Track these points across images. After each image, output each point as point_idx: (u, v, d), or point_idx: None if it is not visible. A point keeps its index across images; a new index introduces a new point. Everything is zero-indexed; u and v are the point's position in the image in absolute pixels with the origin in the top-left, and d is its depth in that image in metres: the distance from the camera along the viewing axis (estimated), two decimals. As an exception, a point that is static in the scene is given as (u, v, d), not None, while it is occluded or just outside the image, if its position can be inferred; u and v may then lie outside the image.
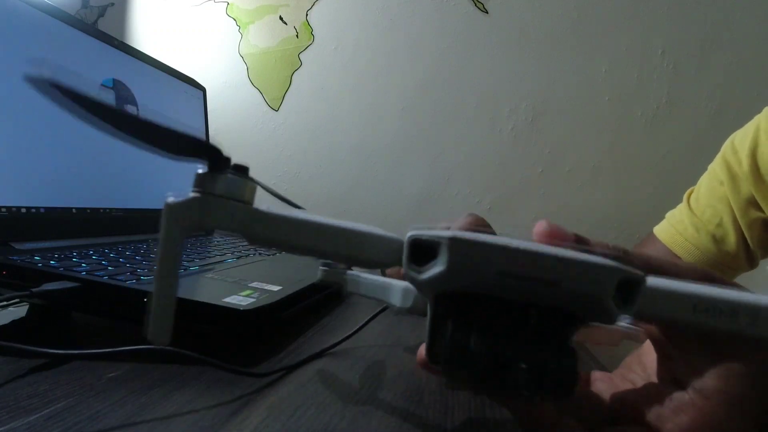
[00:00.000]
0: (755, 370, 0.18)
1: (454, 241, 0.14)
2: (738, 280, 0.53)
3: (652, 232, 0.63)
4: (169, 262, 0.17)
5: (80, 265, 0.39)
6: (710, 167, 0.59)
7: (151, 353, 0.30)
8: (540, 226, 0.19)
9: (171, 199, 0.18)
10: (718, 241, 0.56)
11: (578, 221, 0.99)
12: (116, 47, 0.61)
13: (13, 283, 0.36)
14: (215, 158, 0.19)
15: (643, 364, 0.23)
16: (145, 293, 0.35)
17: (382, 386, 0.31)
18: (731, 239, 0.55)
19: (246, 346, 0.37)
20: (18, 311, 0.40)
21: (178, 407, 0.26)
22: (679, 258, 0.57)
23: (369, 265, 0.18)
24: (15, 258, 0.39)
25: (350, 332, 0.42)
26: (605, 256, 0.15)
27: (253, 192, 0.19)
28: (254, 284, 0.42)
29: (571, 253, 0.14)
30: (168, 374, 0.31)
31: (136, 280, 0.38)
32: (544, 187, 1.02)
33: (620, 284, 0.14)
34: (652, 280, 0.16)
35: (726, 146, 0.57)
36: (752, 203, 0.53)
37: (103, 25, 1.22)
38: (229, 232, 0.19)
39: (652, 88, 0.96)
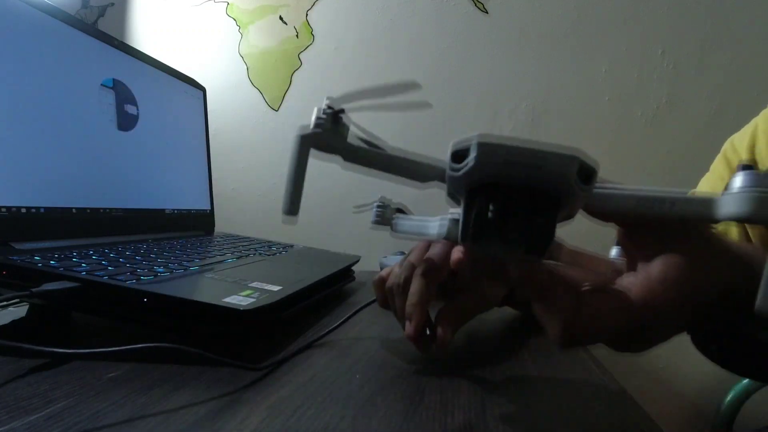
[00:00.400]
0: (687, 264, 0.24)
1: (479, 142, 0.21)
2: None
3: None
4: (301, 166, 0.27)
5: (80, 265, 0.39)
6: (712, 166, 0.59)
7: (151, 352, 0.30)
8: None
9: (300, 132, 0.26)
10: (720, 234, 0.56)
11: (578, 221, 0.99)
12: (116, 47, 0.61)
13: (13, 283, 0.36)
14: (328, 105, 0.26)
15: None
16: (145, 293, 0.36)
17: (382, 386, 0.31)
18: (734, 236, 0.55)
19: (246, 346, 0.37)
20: (18, 311, 0.40)
21: (178, 407, 0.26)
22: None
23: (422, 179, 0.26)
24: (15, 258, 0.39)
25: (340, 321, 0.42)
26: None
27: (347, 129, 0.27)
28: (254, 284, 0.42)
29: (549, 147, 0.21)
30: (168, 374, 0.31)
31: (136, 280, 0.38)
32: (544, 187, 1.02)
33: (581, 171, 0.21)
34: (611, 187, 0.24)
35: (727, 145, 0.57)
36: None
37: (103, 25, 1.22)
38: (330, 153, 0.27)
39: (652, 88, 0.96)
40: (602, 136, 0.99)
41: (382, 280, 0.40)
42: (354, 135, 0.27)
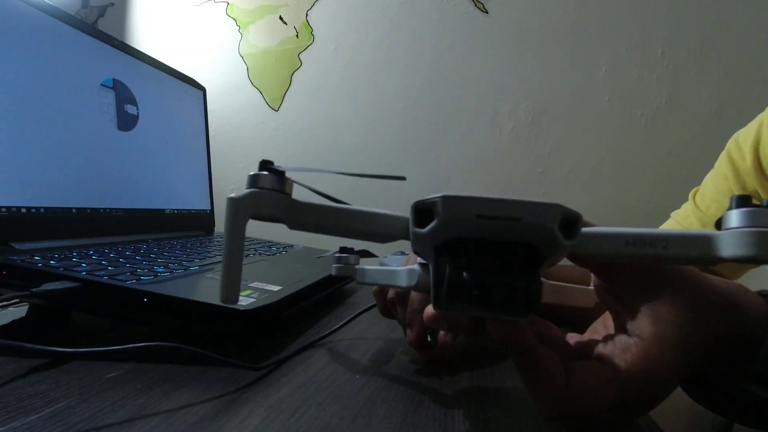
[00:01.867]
0: (680, 318, 0.22)
1: (444, 198, 0.19)
2: (741, 279, 0.53)
3: None
4: (236, 242, 0.22)
5: (80, 265, 0.39)
6: (716, 163, 0.59)
7: (151, 352, 0.30)
8: None
9: (233, 195, 0.23)
10: None
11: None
12: (116, 47, 0.61)
13: (13, 283, 0.36)
14: (265, 165, 0.24)
15: (606, 326, 0.28)
16: (145, 293, 0.36)
17: (382, 386, 0.31)
18: None
19: (246, 346, 0.37)
20: (18, 311, 0.40)
21: (178, 407, 0.26)
22: None
23: (384, 238, 0.23)
24: (15, 258, 0.39)
25: (340, 323, 0.42)
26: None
27: (291, 187, 0.25)
28: (254, 284, 0.42)
29: (528, 198, 0.19)
30: (168, 374, 0.31)
31: (136, 280, 0.38)
32: (544, 187, 1.02)
33: (564, 222, 0.19)
34: (594, 228, 0.22)
35: (731, 143, 0.57)
36: (755, 197, 0.54)
37: (103, 25, 1.22)
38: (273, 221, 0.24)
39: (652, 88, 0.96)
40: (602, 136, 0.99)
41: (383, 291, 0.40)
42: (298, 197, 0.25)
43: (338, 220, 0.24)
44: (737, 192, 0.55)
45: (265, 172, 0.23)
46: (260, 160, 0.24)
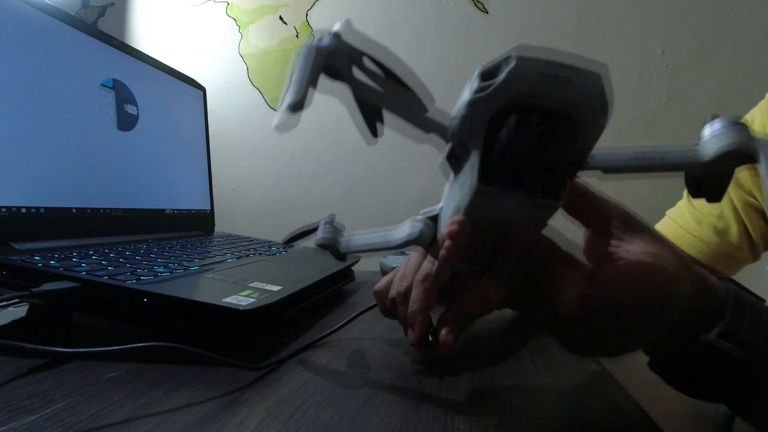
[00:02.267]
0: (668, 257, 0.25)
1: (518, 55, 0.21)
2: (740, 276, 0.53)
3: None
4: (312, 77, 0.24)
5: (80, 265, 0.39)
6: None
7: (151, 352, 0.30)
8: None
9: (313, 42, 0.24)
10: (720, 232, 0.56)
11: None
12: (116, 47, 0.61)
13: (13, 283, 0.36)
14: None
15: None
16: (145, 293, 0.36)
17: (382, 386, 0.31)
18: (733, 230, 0.55)
19: (246, 346, 0.37)
20: (18, 311, 0.40)
21: (178, 407, 0.26)
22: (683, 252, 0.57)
23: (425, 126, 0.25)
24: (15, 258, 0.39)
25: (341, 323, 0.42)
26: None
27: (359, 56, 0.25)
28: (254, 284, 0.42)
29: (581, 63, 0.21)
30: (168, 374, 0.31)
31: (136, 280, 0.38)
32: (544, 187, 1.02)
33: (602, 92, 0.21)
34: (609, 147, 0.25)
35: None
36: (751, 195, 0.54)
37: (103, 25, 1.22)
38: (339, 78, 0.25)
39: (652, 88, 0.96)
40: (602, 135, 0.99)
41: (383, 291, 0.40)
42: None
43: (392, 96, 0.26)
44: (731, 188, 0.55)
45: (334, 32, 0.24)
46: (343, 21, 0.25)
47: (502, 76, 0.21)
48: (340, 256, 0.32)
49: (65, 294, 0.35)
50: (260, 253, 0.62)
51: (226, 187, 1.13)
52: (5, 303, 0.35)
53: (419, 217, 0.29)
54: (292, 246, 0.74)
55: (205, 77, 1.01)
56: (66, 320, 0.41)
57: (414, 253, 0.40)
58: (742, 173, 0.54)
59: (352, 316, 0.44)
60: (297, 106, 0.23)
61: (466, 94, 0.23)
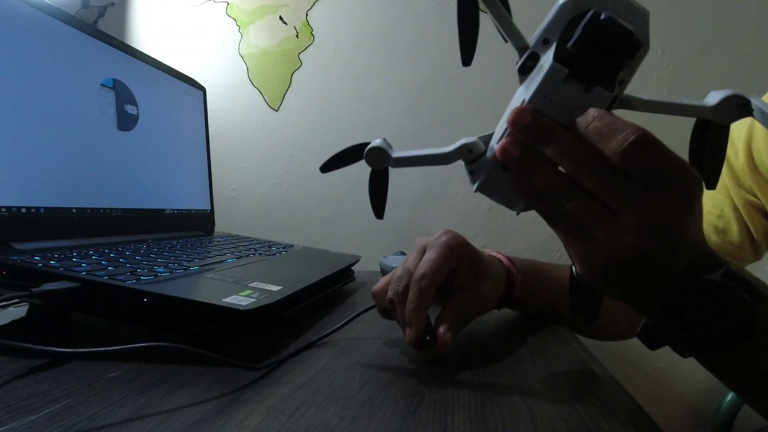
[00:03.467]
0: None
1: None
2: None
3: None
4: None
5: (80, 265, 0.39)
6: None
7: (152, 352, 0.30)
8: None
9: None
10: (720, 231, 0.55)
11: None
12: (116, 47, 0.61)
13: (13, 283, 0.36)
14: None
15: None
16: (145, 293, 0.36)
17: (382, 386, 0.31)
18: (734, 230, 0.55)
19: (246, 346, 0.37)
20: (18, 311, 0.40)
21: (178, 407, 0.26)
22: None
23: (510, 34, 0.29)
24: (15, 258, 0.39)
25: (341, 323, 0.42)
26: None
27: None
28: (254, 284, 0.42)
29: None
30: (168, 374, 0.31)
31: (136, 280, 0.38)
32: (544, 187, 1.02)
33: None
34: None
35: None
36: (751, 193, 0.53)
37: (103, 25, 1.22)
38: None
39: (652, 88, 0.96)
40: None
41: (382, 291, 0.40)
42: None
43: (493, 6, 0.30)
44: (732, 187, 0.54)
45: None
46: None
47: None
48: (391, 167, 0.33)
49: (65, 294, 0.35)
50: (260, 253, 0.62)
51: (226, 187, 1.13)
52: (5, 303, 0.35)
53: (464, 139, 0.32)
54: (292, 247, 0.74)
55: (205, 77, 1.01)
56: (66, 320, 0.41)
57: (412, 253, 0.40)
58: (741, 171, 0.54)
59: (352, 316, 0.44)
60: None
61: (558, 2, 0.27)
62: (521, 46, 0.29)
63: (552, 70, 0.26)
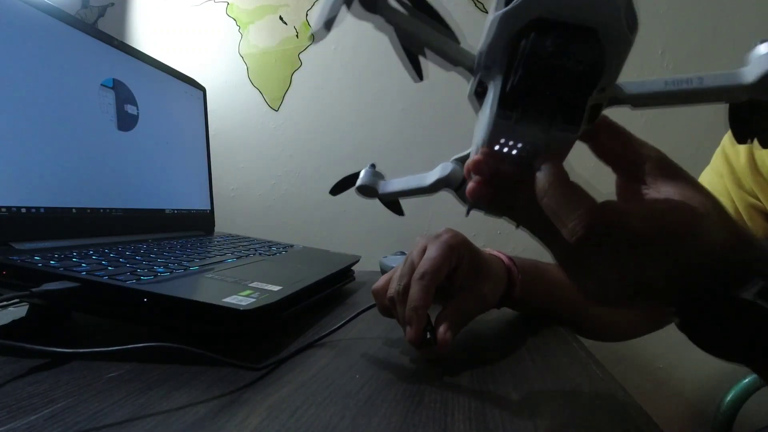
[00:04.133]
0: (698, 198, 0.24)
1: None
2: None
3: None
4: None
5: (80, 265, 0.39)
6: (711, 161, 0.59)
7: (152, 352, 0.30)
8: None
9: None
10: None
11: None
12: (116, 47, 0.61)
13: (13, 283, 0.36)
14: None
15: None
16: (145, 293, 0.36)
17: (382, 386, 0.31)
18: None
19: (246, 346, 0.37)
20: (18, 311, 0.40)
21: (178, 407, 0.26)
22: None
23: (450, 59, 0.25)
24: (15, 258, 0.39)
25: (341, 323, 0.42)
26: None
27: None
28: (254, 284, 0.42)
29: None
30: (168, 374, 0.31)
31: (136, 280, 0.38)
32: (544, 187, 1.02)
33: (627, 14, 0.21)
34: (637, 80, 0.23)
35: (725, 140, 0.57)
36: (752, 195, 0.53)
37: (103, 25, 1.22)
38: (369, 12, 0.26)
39: (652, 88, 0.96)
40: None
41: (382, 290, 0.40)
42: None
43: (422, 29, 0.26)
44: (733, 189, 0.54)
45: None
46: None
47: None
48: (382, 199, 0.33)
49: (65, 294, 0.35)
50: (260, 253, 0.62)
51: (226, 187, 1.13)
52: (5, 303, 0.35)
53: (451, 159, 0.29)
54: (292, 247, 0.74)
55: (205, 77, 1.01)
56: (66, 320, 0.41)
57: (413, 252, 0.40)
58: (742, 173, 0.54)
59: (352, 315, 0.44)
60: (329, 24, 0.25)
61: (490, 15, 0.22)
62: (468, 67, 0.24)
63: (497, 116, 0.22)
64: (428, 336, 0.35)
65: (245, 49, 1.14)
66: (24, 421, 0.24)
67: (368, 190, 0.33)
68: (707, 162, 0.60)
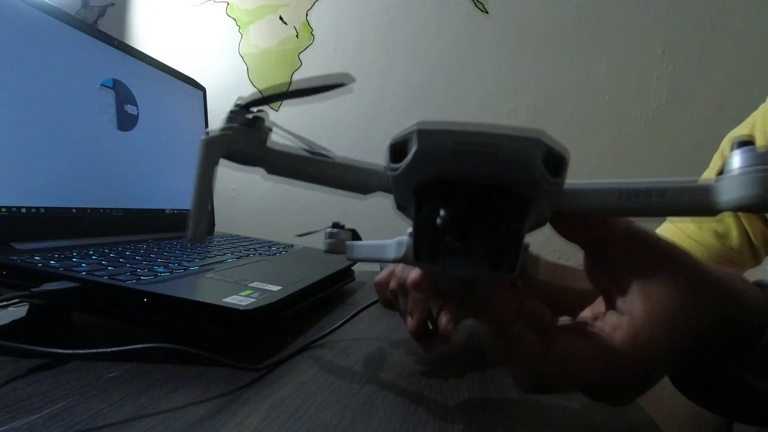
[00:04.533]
0: (674, 298, 0.21)
1: (419, 129, 0.18)
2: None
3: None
4: (206, 181, 0.22)
5: (80, 265, 0.39)
6: (711, 164, 0.59)
7: (152, 352, 0.30)
8: None
9: (205, 135, 0.22)
10: (720, 236, 0.56)
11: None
12: (116, 47, 0.61)
13: (13, 283, 0.36)
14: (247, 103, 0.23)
15: (596, 310, 0.26)
16: (146, 293, 0.35)
17: (382, 386, 0.31)
18: (734, 234, 0.55)
19: (246, 346, 0.37)
20: (18, 311, 0.40)
21: (178, 407, 0.26)
22: None
23: (363, 189, 0.23)
24: (15, 258, 0.39)
25: (340, 322, 0.42)
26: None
27: (267, 131, 0.23)
28: (254, 284, 0.42)
29: (506, 129, 0.17)
30: (168, 374, 0.31)
31: (136, 280, 0.38)
32: (544, 187, 1.02)
33: (549, 157, 0.18)
34: (582, 182, 0.20)
35: (724, 143, 0.57)
36: None
37: (103, 25, 1.22)
38: (247, 164, 0.23)
39: (652, 88, 0.96)
40: (602, 136, 0.99)
41: (384, 282, 0.40)
42: (276, 141, 0.24)
43: (315, 167, 0.23)
44: None
45: (241, 111, 0.22)
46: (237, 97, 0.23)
47: (408, 158, 0.18)
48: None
49: (65, 294, 0.35)
50: (260, 253, 0.62)
51: (226, 187, 1.13)
52: (5, 303, 0.35)
53: (408, 232, 0.28)
54: (292, 247, 0.74)
55: (205, 77, 1.01)
56: (66, 320, 0.41)
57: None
58: None
59: (352, 313, 0.44)
60: (195, 239, 0.22)
61: (384, 163, 0.20)
62: (383, 189, 0.22)
63: (414, 263, 0.20)
64: (430, 327, 0.34)
65: (245, 49, 1.14)
66: (24, 421, 0.24)
67: (341, 250, 0.31)
68: (708, 164, 0.60)
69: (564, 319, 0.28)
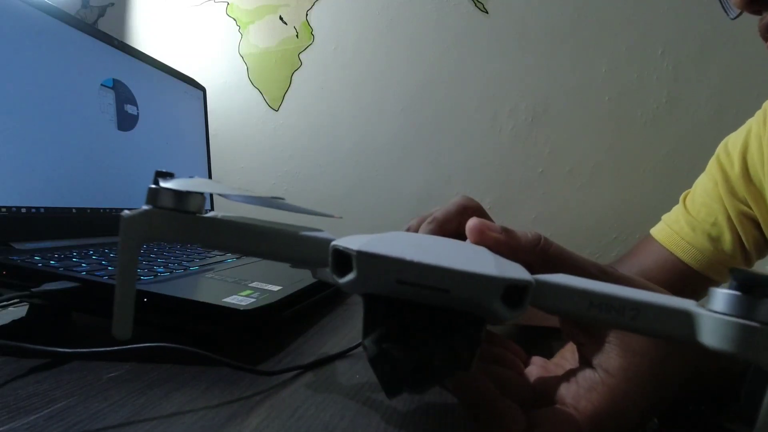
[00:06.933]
0: (651, 350, 0.20)
1: (359, 254, 0.16)
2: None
3: (649, 233, 0.63)
4: (128, 268, 0.20)
5: (80, 265, 0.39)
6: (706, 168, 0.59)
7: (151, 352, 0.30)
8: (470, 222, 0.22)
9: (126, 212, 0.20)
10: (714, 239, 0.56)
11: (578, 221, 0.99)
12: (116, 47, 0.61)
13: (13, 283, 0.36)
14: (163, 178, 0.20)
15: (574, 352, 0.25)
16: (145, 293, 0.35)
17: (382, 386, 0.31)
18: (727, 238, 0.55)
19: (246, 347, 0.37)
20: (18, 311, 0.40)
21: (178, 407, 0.26)
22: (676, 258, 0.57)
23: (306, 264, 0.22)
24: (15, 258, 0.39)
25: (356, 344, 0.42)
26: (524, 245, 0.20)
27: (199, 202, 0.21)
28: (254, 284, 0.42)
29: (462, 264, 0.16)
30: (168, 374, 0.31)
31: (136, 280, 0.38)
32: (544, 187, 1.02)
33: (509, 289, 0.16)
34: (554, 277, 0.18)
35: (720, 148, 0.57)
36: (744, 203, 0.54)
37: (103, 25, 1.22)
38: (177, 242, 0.21)
39: (652, 88, 0.96)
40: (602, 136, 0.99)
41: None
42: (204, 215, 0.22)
43: (253, 241, 0.21)
44: (726, 197, 0.55)
45: (163, 187, 0.20)
46: (156, 171, 0.21)
47: (350, 277, 0.17)
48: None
49: (65, 294, 0.35)
50: (260, 253, 0.62)
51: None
52: (5, 303, 0.35)
53: None
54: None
55: (205, 77, 1.01)
56: (66, 320, 0.41)
57: (414, 222, 0.38)
58: (736, 182, 0.54)
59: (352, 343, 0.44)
60: (121, 336, 0.21)
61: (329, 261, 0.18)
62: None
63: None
64: None
65: (245, 49, 1.14)
66: (24, 421, 0.24)
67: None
68: (705, 165, 0.60)
69: (536, 361, 0.28)
